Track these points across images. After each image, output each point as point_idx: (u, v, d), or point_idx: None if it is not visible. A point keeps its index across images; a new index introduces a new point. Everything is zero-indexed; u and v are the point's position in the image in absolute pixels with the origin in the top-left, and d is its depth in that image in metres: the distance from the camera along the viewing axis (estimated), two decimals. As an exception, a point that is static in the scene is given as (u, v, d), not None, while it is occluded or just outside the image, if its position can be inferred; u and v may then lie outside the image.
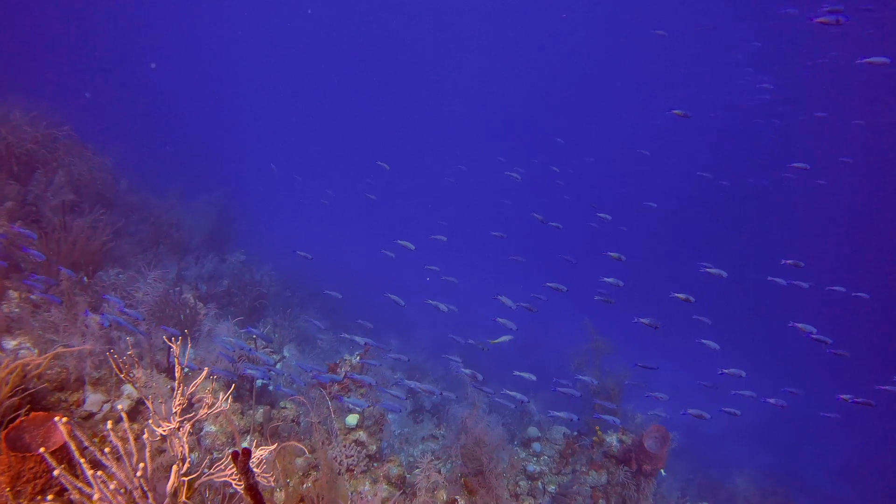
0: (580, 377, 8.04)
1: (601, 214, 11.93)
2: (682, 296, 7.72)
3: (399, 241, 9.78)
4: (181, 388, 2.16)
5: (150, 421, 2.18)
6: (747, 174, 29.76)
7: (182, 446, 2.09)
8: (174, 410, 2.13)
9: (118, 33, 41.51)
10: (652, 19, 25.17)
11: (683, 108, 10.79)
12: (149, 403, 2.14)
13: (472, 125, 47.01)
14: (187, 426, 2.13)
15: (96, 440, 4.42)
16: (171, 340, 2.22)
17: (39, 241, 7.10)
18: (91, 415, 5.10)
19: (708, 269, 8.66)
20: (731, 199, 33.22)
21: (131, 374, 2.24)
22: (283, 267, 13.78)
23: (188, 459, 2.11)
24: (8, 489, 2.76)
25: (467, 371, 7.28)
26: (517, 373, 7.77)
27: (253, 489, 1.87)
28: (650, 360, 8.42)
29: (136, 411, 5.55)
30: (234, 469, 2.26)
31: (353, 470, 6.04)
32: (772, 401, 8.13)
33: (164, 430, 2.11)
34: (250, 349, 6.29)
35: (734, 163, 31.36)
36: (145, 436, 2.05)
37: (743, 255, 37.24)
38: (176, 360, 2.16)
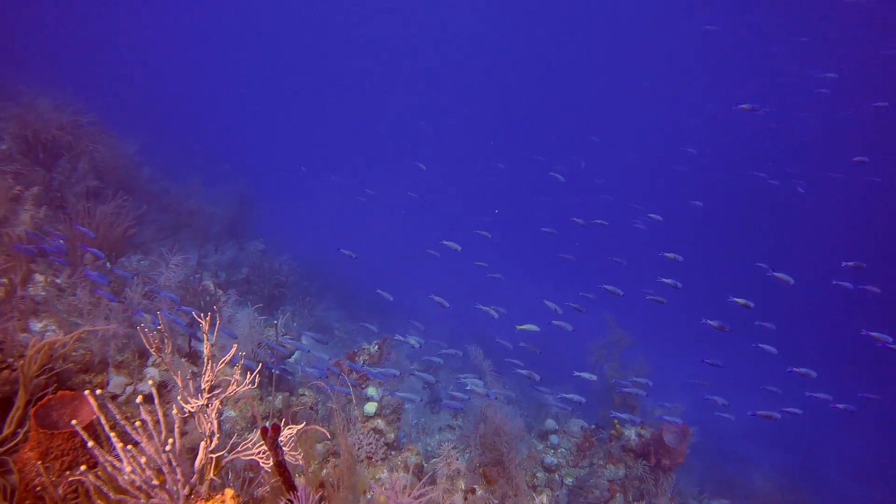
0: (635, 379, 7.98)
1: (652, 215, 11.65)
2: (741, 301, 7.51)
3: (444, 242, 9.64)
4: (210, 365, 2.16)
5: (179, 397, 2.18)
6: (793, 173, 28.86)
7: (211, 423, 2.09)
8: (203, 387, 2.13)
9: (139, 24, 41.92)
10: (693, 15, 24.73)
11: (721, 105, 10.61)
12: (177, 380, 2.14)
13: (509, 123, 46.53)
14: (216, 402, 2.13)
15: (110, 424, 4.47)
16: (200, 317, 2.22)
17: (64, 226, 7.19)
18: (114, 397, 5.17)
19: (776, 275, 8.34)
20: (773, 199, 32.04)
21: (161, 353, 2.24)
22: (298, 257, 13.87)
23: (216, 435, 2.11)
24: (40, 464, 2.80)
25: (524, 371, 7.29)
26: (577, 373, 7.77)
27: (281, 465, 1.86)
28: (661, 358, 8.37)
29: (159, 394, 5.60)
30: (261, 448, 2.26)
31: (371, 458, 6.06)
32: (840, 406, 7.88)
33: (193, 407, 2.11)
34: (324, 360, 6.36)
35: (773, 160, 30.50)
36: (174, 411, 2.05)
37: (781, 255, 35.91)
38: (205, 335, 2.16)
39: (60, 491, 2.70)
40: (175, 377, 2.11)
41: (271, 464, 2.07)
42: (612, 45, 33.72)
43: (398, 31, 42.48)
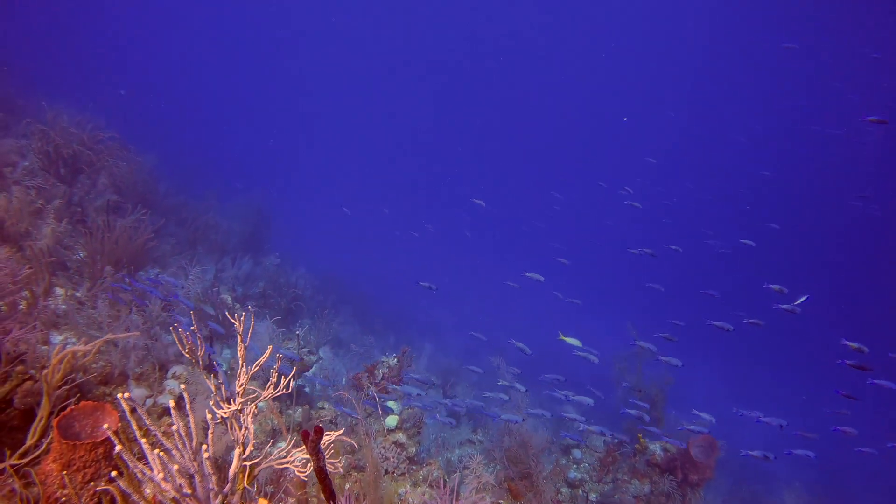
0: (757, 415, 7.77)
1: (745, 241, 11.29)
2: (853, 345, 7.25)
3: (527, 273, 9.43)
4: (244, 368, 2.08)
5: (211, 402, 2.10)
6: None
7: (246, 428, 2.01)
8: (237, 391, 2.05)
9: (155, 39, 42.56)
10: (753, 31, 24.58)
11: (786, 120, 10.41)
12: (210, 384, 2.07)
13: (567, 148, 46.11)
14: (251, 407, 2.04)
15: (141, 431, 4.40)
16: (234, 317, 2.14)
17: (84, 239, 7.22)
18: (133, 409, 5.11)
19: None
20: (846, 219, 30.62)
21: (195, 355, 2.17)
22: (315, 271, 13.89)
23: (252, 441, 2.02)
24: (65, 475, 2.72)
25: (633, 411, 7.18)
26: (696, 412, 7.63)
27: (323, 472, 1.77)
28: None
29: (178, 407, 5.53)
30: (296, 457, 2.17)
31: (392, 472, 5.93)
32: None
33: (226, 413, 2.03)
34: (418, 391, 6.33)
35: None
36: (208, 417, 1.97)
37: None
38: (238, 336, 2.08)
39: (85, 499, 2.62)
40: (208, 381, 2.03)
41: (307, 472, 1.97)
42: (674, 66, 33.42)
43: (450, 54, 42.44)
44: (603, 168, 41.49)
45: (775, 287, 8.68)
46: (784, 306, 8.10)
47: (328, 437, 2.08)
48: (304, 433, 1.71)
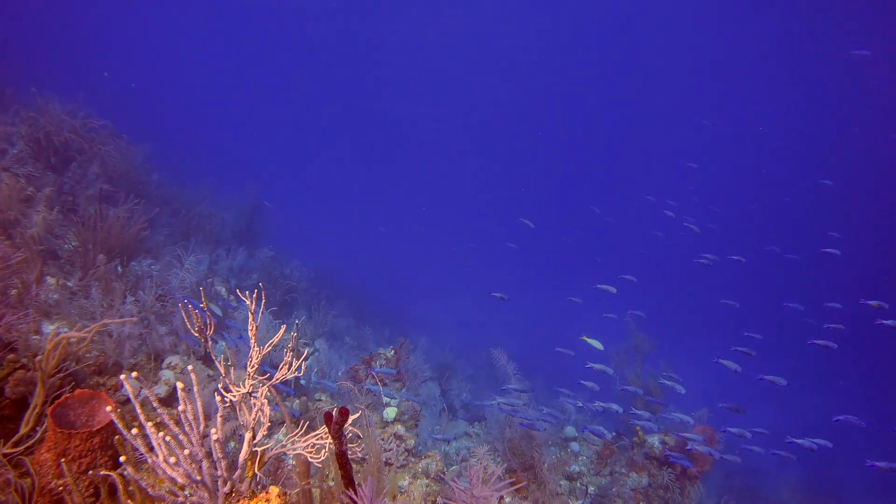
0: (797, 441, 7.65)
1: (829, 250, 11.08)
2: None
3: (599, 286, 9.19)
4: (256, 348, 1.99)
5: (220, 386, 2.01)
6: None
7: (259, 410, 1.91)
8: (248, 372, 1.96)
9: (147, 29, 41.85)
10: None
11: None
12: (219, 366, 1.97)
13: (605, 162, 45.50)
14: (263, 389, 1.95)
15: (136, 423, 4.29)
16: (245, 296, 2.05)
17: (76, 228, 7.06)
18: (128, 400, 4.99)
19: None
20: None
21: (204, 334, 2.07)
22: (308, 264, 13.77)
23: (265, 424, 1.93)
24: (60, 465, 2.62)
25: (735, 430, 7.12)
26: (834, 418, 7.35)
27: (344, 456, 1.68)
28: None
29: (173, 398, 5.43)
30: (309, 442, 2.08)
31: (391, 464, 5.85)
32: None
33: (235, 396, 1.94)
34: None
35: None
36: (217, 399, 1.88)
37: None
38: (250, 314, 1.99)
39: (81, 488, 2.51)
40: (217, 363, 1.94)
41: (321, 458, 1.89)
42: (737, 74, 32.82)
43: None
44: (644, 179, 40.99)
45: (874, 303, 8.56)
46: (888, 322, 8.00)
47: (350, 420, 2.00)
48: (328, 415, 1.63)
